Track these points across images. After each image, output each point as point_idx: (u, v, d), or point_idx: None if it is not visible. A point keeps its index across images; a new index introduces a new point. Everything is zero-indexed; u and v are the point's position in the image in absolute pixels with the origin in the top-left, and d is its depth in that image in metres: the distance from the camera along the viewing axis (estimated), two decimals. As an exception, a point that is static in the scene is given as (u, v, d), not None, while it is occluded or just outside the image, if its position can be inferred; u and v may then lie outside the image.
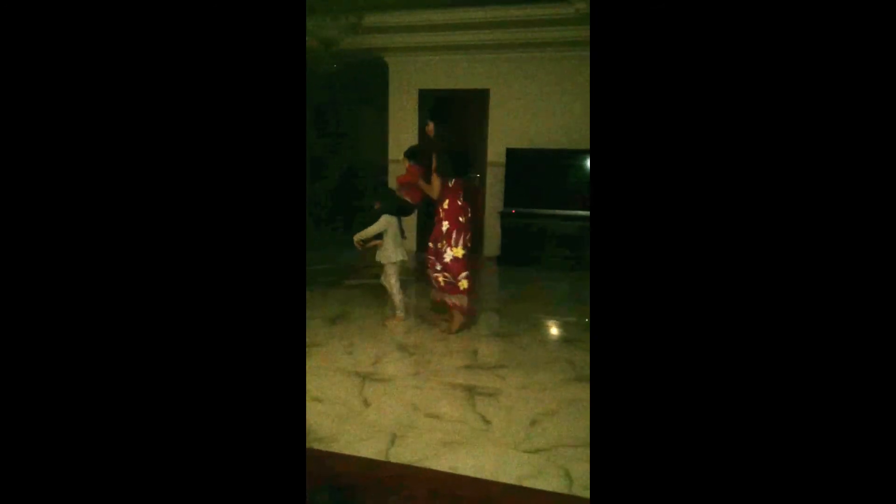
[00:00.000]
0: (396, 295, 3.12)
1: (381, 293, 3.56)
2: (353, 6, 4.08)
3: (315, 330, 3.05)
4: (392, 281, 3.09)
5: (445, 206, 2.86)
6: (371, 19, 4.38)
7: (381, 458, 1.72)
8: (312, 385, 2.32)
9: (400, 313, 3.16)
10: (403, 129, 5.31)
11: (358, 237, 3.02)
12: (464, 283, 2.88)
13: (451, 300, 2.92)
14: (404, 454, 1.77)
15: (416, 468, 1.69)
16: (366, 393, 2.27)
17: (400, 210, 3.03)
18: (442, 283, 2.91)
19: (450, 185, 2.86)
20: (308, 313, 3.33)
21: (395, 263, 3.06)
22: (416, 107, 5.24)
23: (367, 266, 4.76)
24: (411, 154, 3.08)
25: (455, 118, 5.32)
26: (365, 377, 2.42)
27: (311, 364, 2.56)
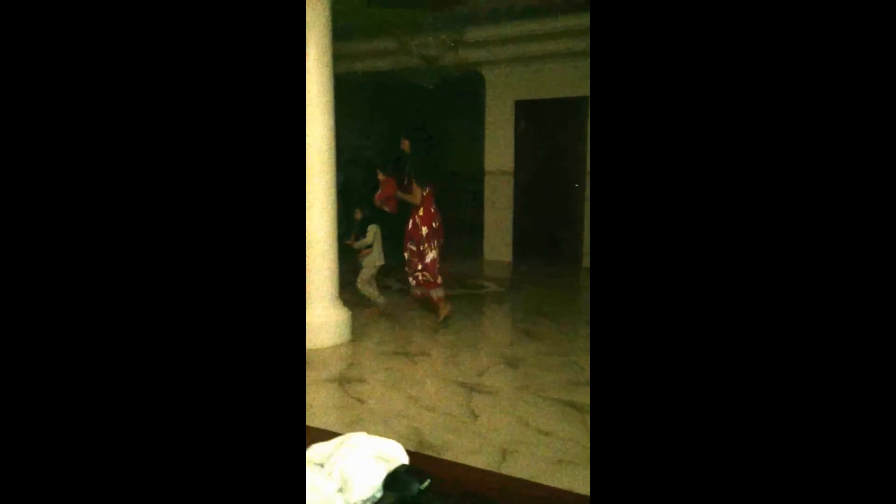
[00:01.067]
0: (374, 291, 3.63)
1: (481, 303, 3.59)
2: (452, 23, 4.18)
3: (420, 338, 3.14)
4: (368, 279, 3.58)
5: (421, 213, 3.26)
6: (469, 35, 4.47)
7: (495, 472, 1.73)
8: (422, 393, 2.39)
9: (379, 305, 3.62)
10: (499, 139, 5.33)
11: (359, 245, 3.50)
12: (439, 279, 3.32)
13: (436, 294, 3.32)
14: (515, 470, 1.76)
15: (536, 484, 1.68)
16: (473, 405, 2.29)
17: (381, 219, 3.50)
18: (421, 281, 3.31)
19: (425, 193, 3.24)
20: (413, 321, 3.44)
21: (377, 266, 3.54)
22: (512, 117, 5.24)
23: (468, 276, 4.81)
24: (384, 167, 3.54)
25: (552, 126, 5.26)
26: (472, 388, 2.44)
27: (418, 372, 2.64)
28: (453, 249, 5.95)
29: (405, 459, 0.80)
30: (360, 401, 2.31)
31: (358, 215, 3.48)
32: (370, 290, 3.62)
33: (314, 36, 2.79)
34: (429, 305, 3.50)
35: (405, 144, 3.31)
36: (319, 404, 2.32)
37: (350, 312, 3.11)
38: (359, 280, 3.59)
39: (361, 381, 2.52)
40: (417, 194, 3.24)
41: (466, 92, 5.78)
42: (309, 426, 1.19)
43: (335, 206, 3.02)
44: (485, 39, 4.61)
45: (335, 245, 3.04)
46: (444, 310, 3.36)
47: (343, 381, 2.53)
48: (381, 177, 3.49)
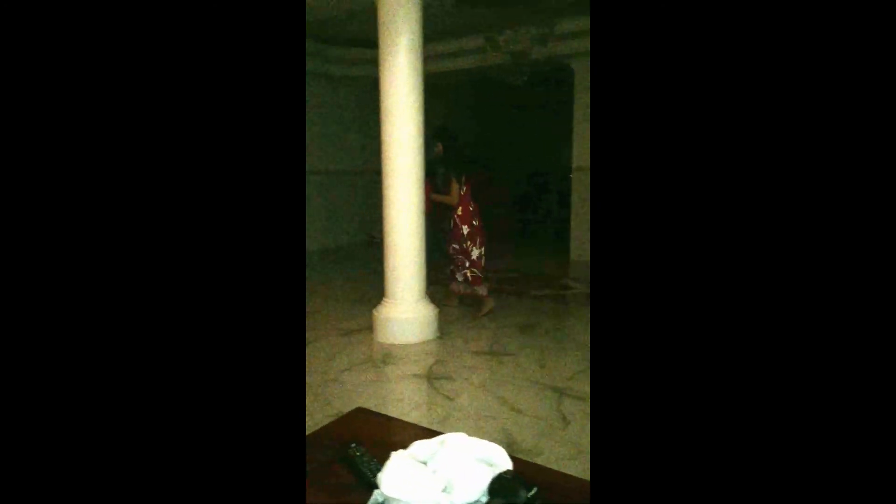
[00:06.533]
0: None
1: (567, 305, 3.47)
2: (542, 17, 4.09)
3: (507, 338, 3.10)
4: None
5: (460, 212, 3.35)
6: (559, 27, 4.34)
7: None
8: (511, 395, 2.35)
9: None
10: (588, 134, 5.14)
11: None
12: (484, 275, 3.48)
13: (481, 291, 3.45)
14: (612, 481, 1.67)
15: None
16: (564, 409, 2.21)
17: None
18: (470, 278, 3.42)
19: (462, 192, 3.32)
20: (498, 321, 3.41)
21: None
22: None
23: (553, 277, 4.70)
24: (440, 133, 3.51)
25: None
26: (561, 392, 2.36)
27: (505, 373, 2.60)
28: (538, 250, 5.84)
29: (509, 465, 0.78)
30: (449, 398, 2.32)
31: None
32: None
33: (405, 37, 2.84)
34: (472, 300, 3.63)
35: (440, 147, 3.44)
36: (408, 399, 2.36)
37: (437, 310, 3.14)
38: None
39: (449, 378, 2.54)
40: (455, 194, 3.34)
41: (555, 87, 5.63)
42: (403, 421, 1.21)
43: (422, 206, 3.06)
44: (575, 31, 4.45)
45: (422, 243, 3.09)
46: (489, 305, 3.50)
47: (431, 377, 2.56)
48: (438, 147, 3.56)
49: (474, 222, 3.38)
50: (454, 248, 3.45)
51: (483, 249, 3.42)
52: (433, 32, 3.60)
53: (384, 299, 3.10)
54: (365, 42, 5.29)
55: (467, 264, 3.42)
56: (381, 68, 2.92)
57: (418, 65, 2.90)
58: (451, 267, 3.53)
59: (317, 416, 2.14)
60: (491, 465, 0.76)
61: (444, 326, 3.21)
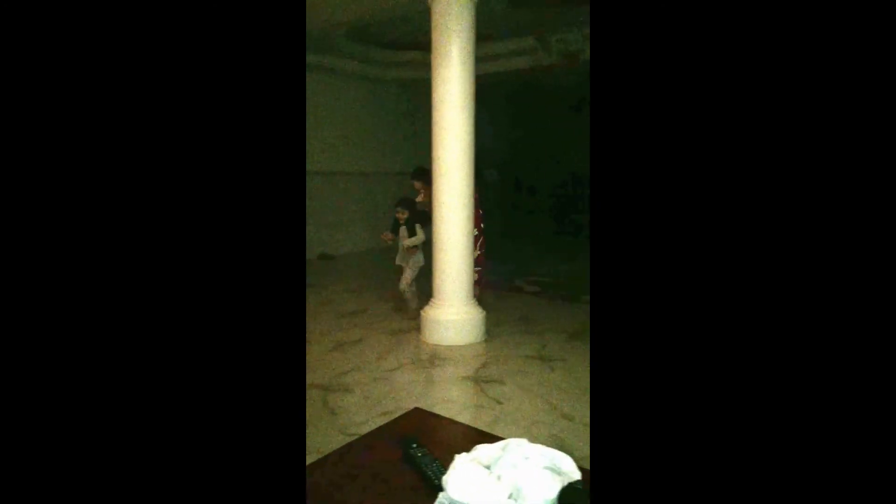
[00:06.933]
0: (413, 294, 3.52)
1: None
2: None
3: (556, 343, 3.04)
4: (411, 281, 3.49)
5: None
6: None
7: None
8: (560, 401, 2.30)
9: (410, 309, 3.50)
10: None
11: (410, 242, 3.40)
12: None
13: (476, 290, 3.42)
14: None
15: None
16: (617, 417, 2.15)
17: (427, 220, 3.43)
18: (475, 277, 3.44)
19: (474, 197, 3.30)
20: (548, 326, 3.36)
21: (419, 267, 3.49)
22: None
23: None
24: (420, 174, 3.62)
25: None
26: (614, 400, 2.30)
27: (554, 379, 2.56)
28: (575, 254, 5.71)
29: (578, 475, 0.76)
30: (498, 402, 2.30)
31: (403, 216, 3.44)
32: (411, 292, 3.53)
33: (457, 39, 2.84)
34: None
35: (421, 190, 3.55)
36: (457, 401, 2.35)
37: (484, 312, 3.13)
38: (402, 281, 3.51)
39: (499, 382, 2.52)
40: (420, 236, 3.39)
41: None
42: (461, 423, 1.20)
43: (472, 209, 3.06)
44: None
45: (471, 246, 3.08)
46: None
47: (480, 380, 2.55)
48: (417, 185, 3.69)
49: (482, 225, 3.50)
50: None
51: (479, 253, 3.48)
52: (484, 34, 3.59)
53: (432, 300, 3.11)
54: (412, 45, 5.35)
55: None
56: (433, 70, 2.94)
57: (470, 67, 2.90)
58: None
59: (367, 414, 2.17)
60: (559, 474, 0.74)
61: (492, 329, 3.19)
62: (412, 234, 3.42)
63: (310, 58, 5.32)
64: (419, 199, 3.66)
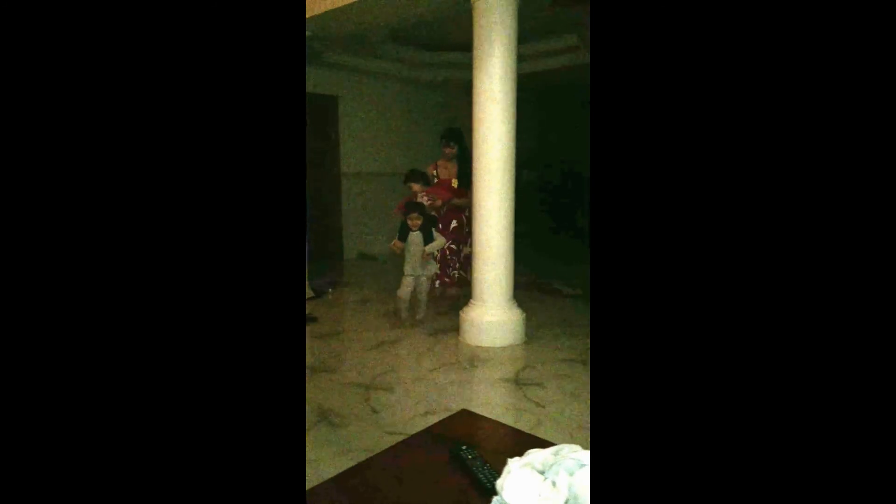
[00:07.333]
0: (407, 303, 3.31)
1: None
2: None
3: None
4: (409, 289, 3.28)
5: (468, 213, 3.42)
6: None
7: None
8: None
9: (403, 318, 3.34)
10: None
11: (430, 249, 3.23)
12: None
13: (455, 290, 3.54)
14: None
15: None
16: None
17: (435, 224, 3.32)
18: (456, 278, 3.52)
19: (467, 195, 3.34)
20: (586, 329, 3.29)
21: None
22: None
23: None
24: (419, 176, 3.56)
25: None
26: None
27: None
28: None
29: (635, 483, 0.73)
30: (540, 406, 2.27)
31: (418, 221, 3.15)
32: (409, 302, 3.31)
33: (499, 39, 2.83)
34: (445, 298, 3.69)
35: (452, 149, 3.57)
36: (497, 403, 2.34)
37: (524, 314, 3.10)
38: (405, 291, 3.25)
39: (539, 385, 2.48)
40: (471, 196, 3.29)
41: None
42: (510, 426, 1.19)
43: (513, 209, 3.03)
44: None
45: (511, 247, 3.05)
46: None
47: (520, 382, 2.52)
48: (416, 187, 3.57)
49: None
50: (451, 249, 3.59)
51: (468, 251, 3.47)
52: (526, 33, 3.56)
53: (471, 301, 3.10)
54: (451, 46, 5.35)
55: (457, 265, 3.60)
56: (474, 70, 2.93)
57: (513, 67, 2.88)
58: (440, 267, 3.57)
59: (408, 413, 2.18)
60: (616, 483, 0.72)
61: (532, 332, 3.15)
62: (428, 240, 3.15)
63: (351, 60, 5.40)
64: (426, 202, 3.51)
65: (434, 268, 3.36)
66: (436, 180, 3.74)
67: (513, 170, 2.99)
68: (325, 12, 3.65)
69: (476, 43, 2.90)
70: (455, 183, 3.64)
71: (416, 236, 3.16)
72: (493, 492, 0.75)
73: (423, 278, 3.29)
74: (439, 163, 3.78)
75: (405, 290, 3.27)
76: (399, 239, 3.19)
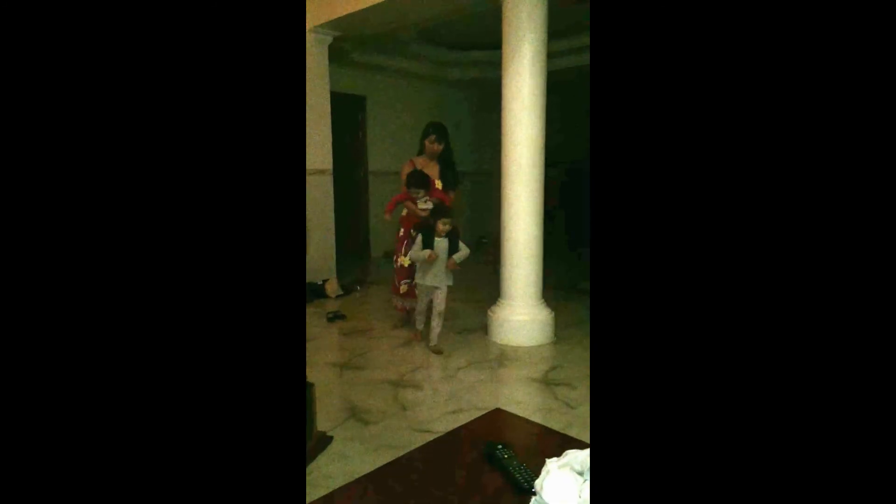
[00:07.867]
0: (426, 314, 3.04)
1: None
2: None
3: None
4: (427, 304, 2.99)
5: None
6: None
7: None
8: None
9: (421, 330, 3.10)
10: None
11: (458, 258, 2.78)
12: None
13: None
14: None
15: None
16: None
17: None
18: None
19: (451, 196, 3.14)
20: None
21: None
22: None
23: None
24: (422, 181, 3.01)
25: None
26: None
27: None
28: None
29: (678, 487, 0.72)
30: (570, 407, 2.25)
31: (446, 227, 2.75)
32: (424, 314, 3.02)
33: (529, 37, 2.81)
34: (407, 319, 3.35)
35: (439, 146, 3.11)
36: (527, 403, 2.32)
37: (553, 314, 3.07)
38: (439, 301, 2.86)
39: (569, 385, 2.46)
40: (454, 196, 3.19)
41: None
42: (545, 426, 1.18)
43: (542, 208, 3.01)
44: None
45: (540, 246, 3.03)
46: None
47: (550, 382, 2.50)
48: (421, 193, 3.05)
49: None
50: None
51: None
52: (555, 30, 3.52)
53: (500, 300, 3.09)
54: (479, 44, 5.34)
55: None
56: (503, 68, 2.92)
57: (542, 65, 2.85)
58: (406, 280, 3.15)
59: (438, 411, 2.19)
60: (658, 486, 0.71)
61: (561, 331, 3.12)
62: (454, 248, 2.76)
63: (380, 60, 5.44)
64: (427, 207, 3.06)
65: (450, 279, 2.86)
66: None
67: (542, 169, 2.96)
68: (354, 12, 3.68)
69: (504, 41, 2.89)
70: (439, 185, 3.12)
71: (441, 244, 2.76)
72: (531, 492, 0.74)
73: (442, 290, 2.85)
74: (419, 160, 3.17)
75: (422, 302, 2.98)
76: (425, 247, 2.74)
